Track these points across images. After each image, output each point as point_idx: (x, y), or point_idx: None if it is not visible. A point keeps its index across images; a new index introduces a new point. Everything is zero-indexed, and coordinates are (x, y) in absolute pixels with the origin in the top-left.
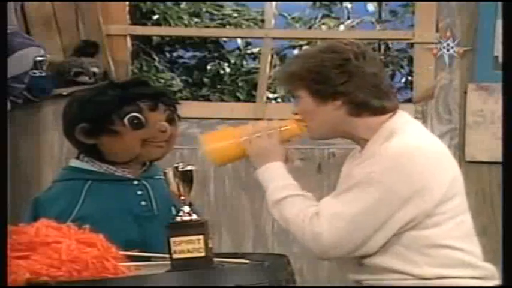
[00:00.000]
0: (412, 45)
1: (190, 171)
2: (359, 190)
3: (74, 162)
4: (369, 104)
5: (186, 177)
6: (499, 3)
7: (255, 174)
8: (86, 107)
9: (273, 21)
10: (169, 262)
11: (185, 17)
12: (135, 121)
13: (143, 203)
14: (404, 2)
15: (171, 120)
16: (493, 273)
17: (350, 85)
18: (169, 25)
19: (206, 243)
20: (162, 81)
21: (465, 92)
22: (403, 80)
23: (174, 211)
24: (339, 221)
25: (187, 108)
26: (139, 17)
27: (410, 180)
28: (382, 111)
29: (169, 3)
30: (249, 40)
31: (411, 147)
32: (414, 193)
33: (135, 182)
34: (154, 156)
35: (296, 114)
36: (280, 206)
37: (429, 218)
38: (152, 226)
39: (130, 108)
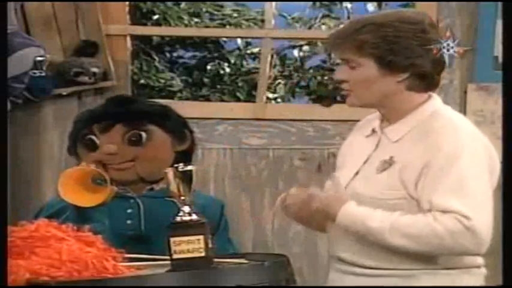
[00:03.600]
0: None
1: (190, 171)
2: (466, 169)
3: None
4: (433, 78)
5: (186, 177)
6: (499, 3)
7: (341, 221)
8: (72, 127)
9: (273, 21)
10: (169, 262)
11: (185, 17)
12: (87, 143)
13: (129, 221)
14: (404, 2)
15: (134, 141)
16: None
17: (425, 58)
18: (169, 25)
19: (206, 243)
20: (162, 81)
21: (465, 92)
22: None
23: None
24: (477, 206)
25: (187, 108)
26: (139, 17)
27: (487, 152)
28: (436, 85)
29: (169, 3)
30: (249, 40)
31: (471, 124)
32: (491, 168)
33: (131, 201)
34: (120, 178)
35: (342, 81)
36: (399, 233)
37: None
38: (135, 245)
39: (85, 131)
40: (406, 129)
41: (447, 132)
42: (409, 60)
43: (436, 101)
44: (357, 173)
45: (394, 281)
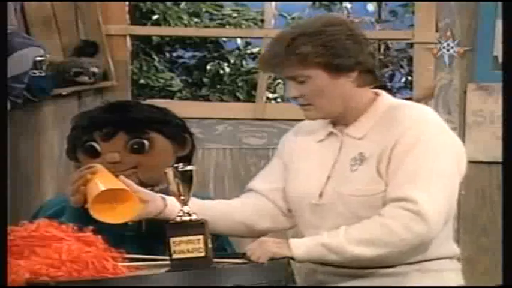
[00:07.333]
0: (412, 45)
1: (190, 171)
2: (422, 157)
3: None
4: (375, 71)
5: (186, 177)
6: (499, 3)
7: (301, 259)
8: (70, 130)
9: (272, 21)
10: (169, 262)
11: (185, 17)
12: (89, 150)
13: (130, 222)
14: (404, 2)
15: (137, 149)
16: None
17: (363, 54)
18: (169, 25)
19: (206, 243)
20: (162, 81)
21: (465, 92)
22: (403, 80)
23: None
24: (430, 190)
25: (187, 108)
26: (139, 17)
27: (454, 140)
28: (379, 79)
29: (169, 3)
30: (249, 40)
31: (434, 113)
32: (458, 156)
33: None
34: None
35: (295, 98)
36: (355, 241)
37: None
38: (134, 246)
39: (86, 137)
40: (369, 125)
41: (412, 120)
42: (352, 59)
43: (387, 95)
44: (328, 177)
45: (386, 281)
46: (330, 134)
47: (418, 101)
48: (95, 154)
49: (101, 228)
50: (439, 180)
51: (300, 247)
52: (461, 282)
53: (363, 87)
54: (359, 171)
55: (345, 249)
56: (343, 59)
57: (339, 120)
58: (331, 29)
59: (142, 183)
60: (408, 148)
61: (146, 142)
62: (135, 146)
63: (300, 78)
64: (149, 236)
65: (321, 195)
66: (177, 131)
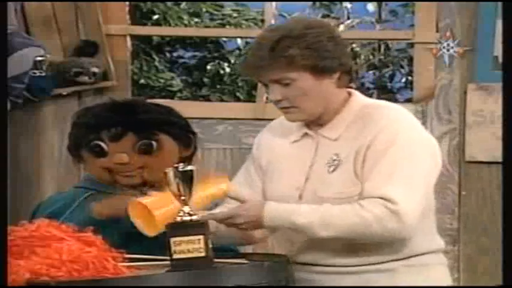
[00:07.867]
0: (412, 45)
1: (191, 171)
2: (400, 155)
3: None
4: (352, 73)
5: (186, 177)
6: (499, 3)
7: (269, 223)
8: (72, 126)
9: (273, 21)
10: (169, 262)
11: (185, 17)
12: (96, 149)
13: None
14: (404, 2)
15: (144, 150)
16: None
17: (344, 56)
18: (169, 25)
19: (206, 243)
20: (162, 81)
21: (465, 92)
22: (403, 80)
23: None
24: (407, 190)
25: (187, 108)
26: (139, 17)
27: (429, 138)
28: (354, 80)
29: (169, 3)
30: (249, 40)
31: (409, 113)
32: (433, 155)
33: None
34: (128, 183)
35: (279, 101)
36: (328, 225)
37: None
38: (138, 244)
39: (93, 136)
40: (343, 125)
41: (387, 119)
42: (336, 60)
43: (359, 94)
44: (307, 179)
45: (374, 277)
46: (305, 135)
47: (418, 101)
48: (101, 154)
49: (107, 226)
50: (417, 179)
51: (271, 217)
52: (448, 277)
53: (340, 87)
54: (337, 173)
55: (311, 230)
56: (328, 61)
57: (314, 121)
58: (314, 31)
59: (147, 184)
60: (385, 146)
61: (154, 143)
62: (143, 147)
63: (285, 81)
64: (152, 236)
65: (300, 197)
66: (182, 132)
